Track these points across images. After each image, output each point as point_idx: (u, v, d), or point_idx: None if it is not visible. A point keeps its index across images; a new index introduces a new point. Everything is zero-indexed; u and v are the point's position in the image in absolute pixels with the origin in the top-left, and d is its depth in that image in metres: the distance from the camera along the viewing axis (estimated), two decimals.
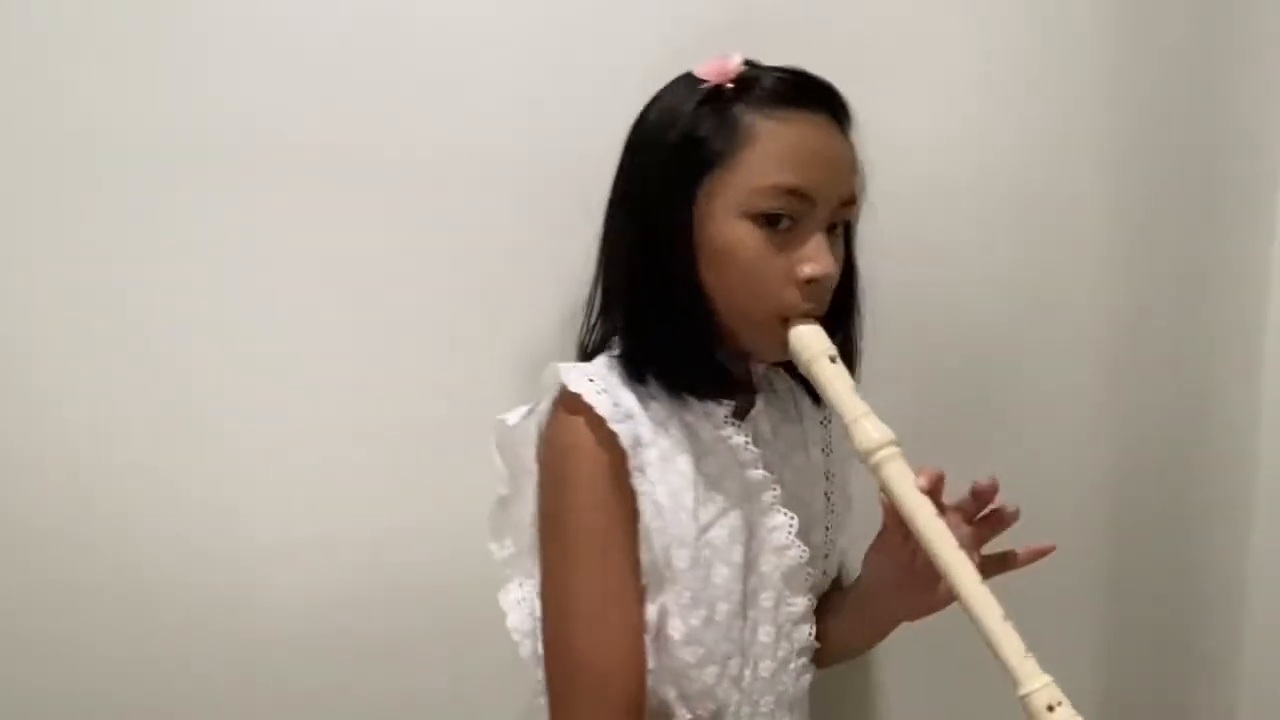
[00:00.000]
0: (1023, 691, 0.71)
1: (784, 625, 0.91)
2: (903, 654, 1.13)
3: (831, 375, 0.81)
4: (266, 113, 0.94)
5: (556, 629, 0.82)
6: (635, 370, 0.85)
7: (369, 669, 1.03)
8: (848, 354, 0.93)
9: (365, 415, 1.00)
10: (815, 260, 0.81)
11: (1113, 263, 1.17)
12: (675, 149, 0.82)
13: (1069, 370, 1.19)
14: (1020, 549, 0.85)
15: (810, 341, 0.82)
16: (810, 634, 0.94)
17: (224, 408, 0.97)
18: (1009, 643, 0.72)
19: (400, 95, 0.97)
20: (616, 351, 0.87)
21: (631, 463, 0.80)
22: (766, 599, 0.90)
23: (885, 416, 1.10)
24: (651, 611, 0.83)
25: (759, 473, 0.89)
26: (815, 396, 0.96)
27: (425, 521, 1.01)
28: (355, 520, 1.00)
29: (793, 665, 0.93)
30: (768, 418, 0.93)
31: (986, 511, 0.83)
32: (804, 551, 0.91)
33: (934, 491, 0.77)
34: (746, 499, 0.89)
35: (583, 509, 0.82)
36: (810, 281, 0.81)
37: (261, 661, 1.00)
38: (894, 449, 0.78)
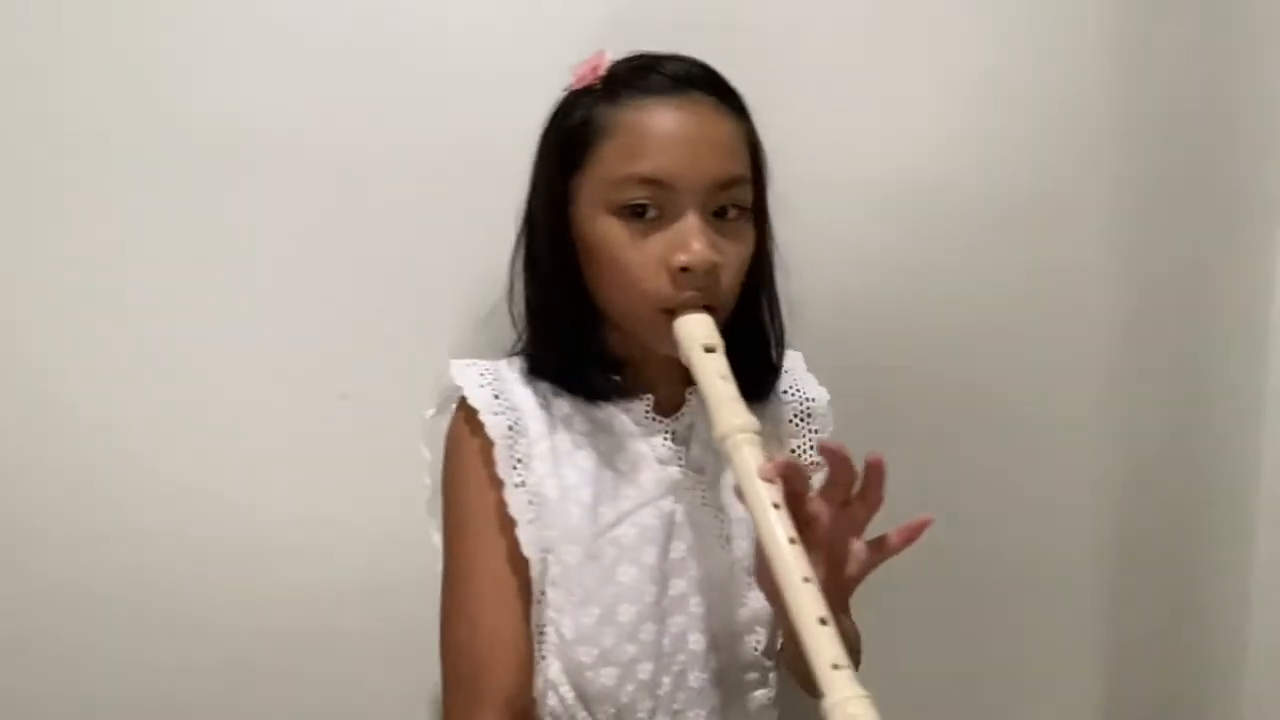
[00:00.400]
0: (826, 702, 0.63)
1: (719, 635, 0.86)
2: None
3: (703, 363, 0.78)
4: (263, 113, 0.97)
5: (441, 616, 0.84)
6: (535, 369, 0.86)
7: (373, 667, 1.06)
8: (763, 340, 0.89)
9: (369, 414, 1.03)
10: (684, 248, 0.78)
11: (1115, 267, 1.17)
12: (548, 154, 0.84)
13: (1071, 374, 1.18)
14: (896, 533, 0.76)
15: (688, 331, 0.79)
16: (757, 646, 0.88)
17: (226, 406, 1.01)
18: (818, 647, 0.65)
19: (395, 95, 1.00)
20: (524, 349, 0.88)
21: (499, 454, 0.81)
22: (695, 605, 0.85)
23: (885, 419, 1.07)
24: (546, 607, 0.82)
25: (677, 470, 0.86)
26: (799, 416, 0.93)
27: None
28: (359, 519, 1.04)
29: (734, 679, 0.87)
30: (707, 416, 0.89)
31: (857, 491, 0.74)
32: (741, 555, 0.85)
33: (788, 479, 0.72)
34: (670, 497, 0.85)
35: (461, 501, 0.84)
36: (684, 270, 0.78)
37: (265, 660, 1.04)
38: (748, 435, 0.74)
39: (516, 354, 0.89)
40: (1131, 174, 1.16)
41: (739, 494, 0.74)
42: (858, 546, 0.74)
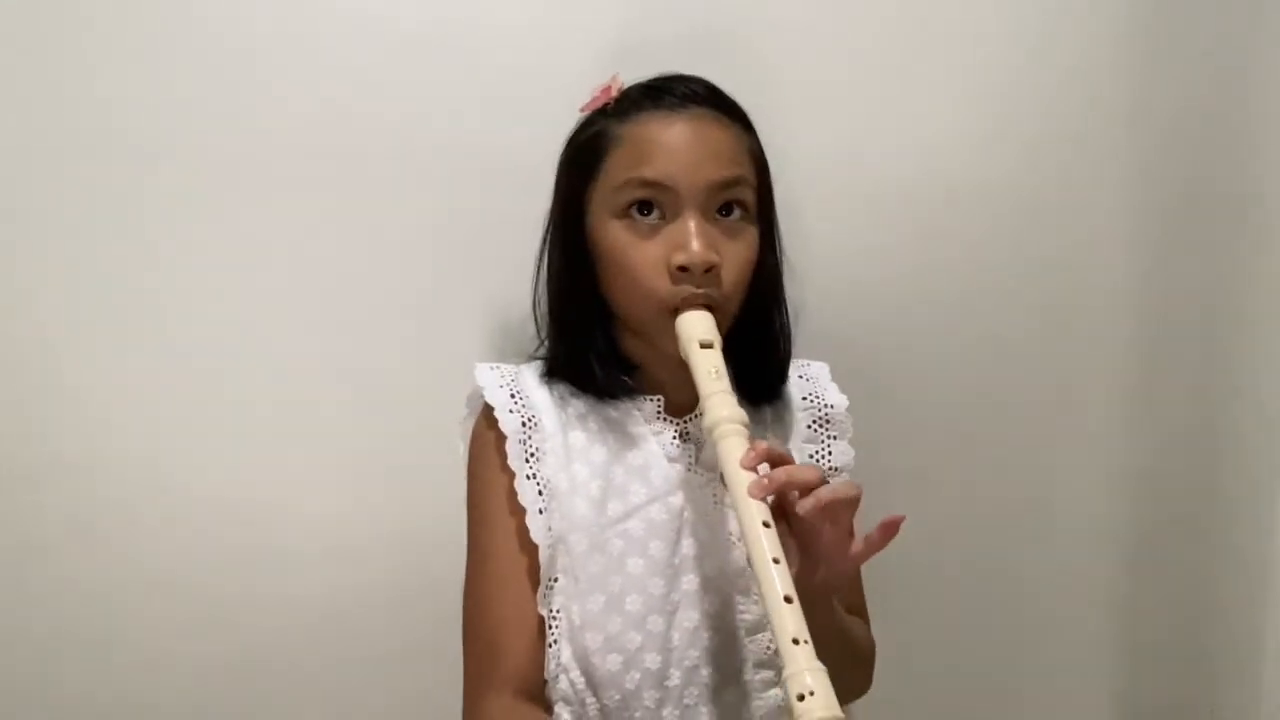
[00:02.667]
0: (785, 672, 0.67)
1: (730, 632, 0.88)
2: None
3: (698, 358, 0.82)
4: (274, 123, 1.02)
5: (464, 601, 0.89)
6: (552, 370, 0.91)
7: (385, 671, 1.10)
8: (770, 343, 0.92)
9: (386, 419, 1.07)
10: (683, 247, 0.83)
11: (1135, 271, 1.18)
12: (564, 168, 0.91)
13: (1086, 377, 1.19)
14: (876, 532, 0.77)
15: (686, 327, 0.83)
16: (769, 646, 0.89)
17: (242, 410, 1.04)
18: (781, 623, 0.69)
19: (430, 109, 1.05)
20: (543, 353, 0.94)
21: (512, 447, 0.86)
22: (709, 602, 0.87)
23: (898, 422, 1.10)
24: (559, 594, 0.86)
25: (685, 468, 0.89)
26: (817, 422, 0.95)
27: (443, 525, 1.04)
28: (372, 524, 1.08)
29: (747, 678, 0.88)
30: None
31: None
32: None
33: (773, 462, 0.75)
34: (679, 494, 0.89)
35: (479, 491, 0.90)
36: (683, 269, 0.83)
37: (275, 662, 1.07)
38: (735, 426, 0.78)
39: (538, 357, 0.94)
40: (1148, 178, 1.16)
41: (724, 482, 0.77)
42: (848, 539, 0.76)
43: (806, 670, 0.66)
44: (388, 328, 1.07)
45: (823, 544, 0.76)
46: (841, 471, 0.95)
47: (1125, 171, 1.17)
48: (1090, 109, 1.15)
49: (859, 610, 0.96)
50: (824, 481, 0.75)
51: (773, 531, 0.72)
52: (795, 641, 0.67)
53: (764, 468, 0.76)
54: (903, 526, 1.09)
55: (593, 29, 1.05)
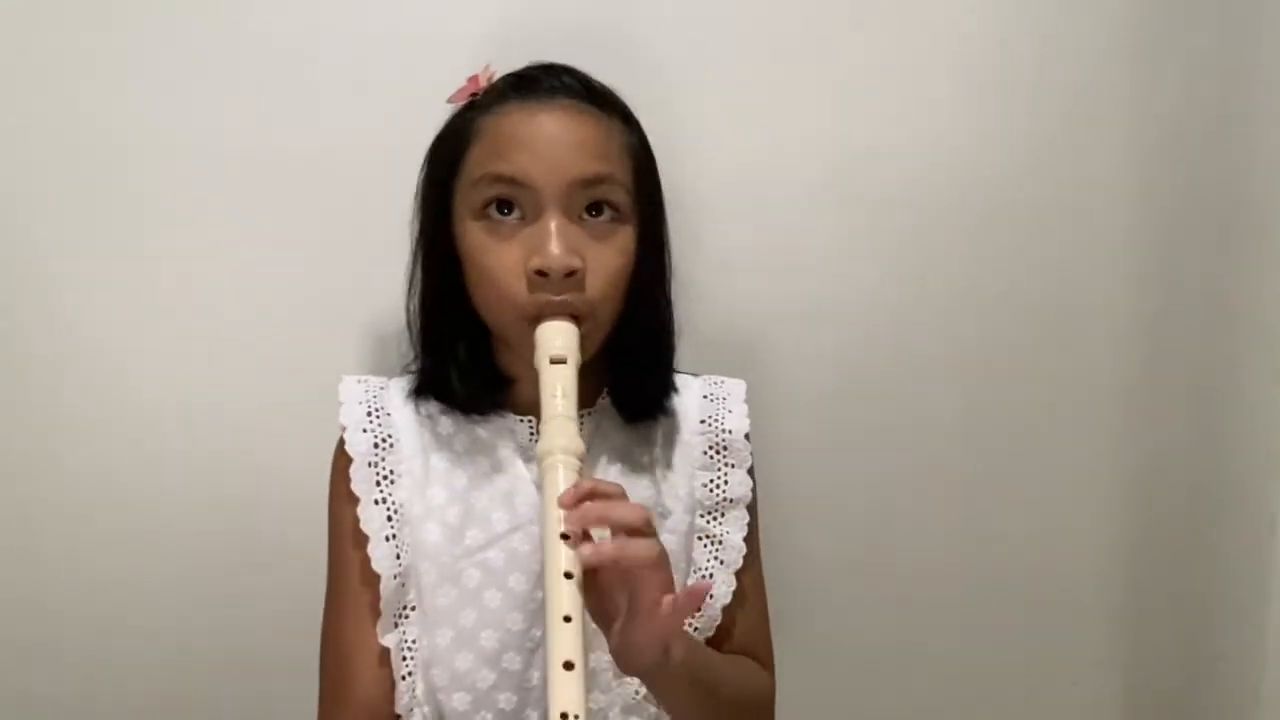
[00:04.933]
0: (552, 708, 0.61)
1: (598, 674, 0.81)
2: None
3: (545, 375, 0.75)
4: (261, 122, 1.00)
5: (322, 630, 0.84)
6: (419, 386, 0.85)
7: None
8: (648, 353, 0.85)
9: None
10: (539, 249, 0.76)
11: (1133, 275, 1.16)
12: (426, 168, 0.84)
13: (1088, 381, 1.17)
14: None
15: (541, 340, 0.76)
16: (638, 692, 0.82)
17: (241, 404, 1.03)
18: (557, 690, 0.62)
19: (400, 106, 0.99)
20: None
21: (357, 470, 0.80)
22: None
23: (900, 425, 1.12)
24: (411, 624, 0.81)
25: None
26: (714, 448, 0.88)
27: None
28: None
29: None
30: (607, 444, 0.85)
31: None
32: None
33: (590, 498, 0.68)
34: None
35: (330, 516, 0.84)
36: (540, 273, 0.76)
37: (277, 664, 1.04)
38: (565, 458, 0.71)
39: (411, 371, 0.88)
40: (1149, 181, 1.14)
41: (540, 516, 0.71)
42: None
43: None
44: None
45: (616, 604, 0.68)
46: (737, 504, 0.87)
47: (1124, 172, 1.13)
48: (1088, 109, 1.12)
49: (753, 648, 0.88)
50: (647, 525, 0.68)
51: (574, 584, 0.65)
52: (563, 716, 0.60)
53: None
54: (900, 530, 1.15)
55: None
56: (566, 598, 0.64)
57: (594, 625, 0.70)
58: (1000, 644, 1.19)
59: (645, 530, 0.67)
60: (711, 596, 0.86)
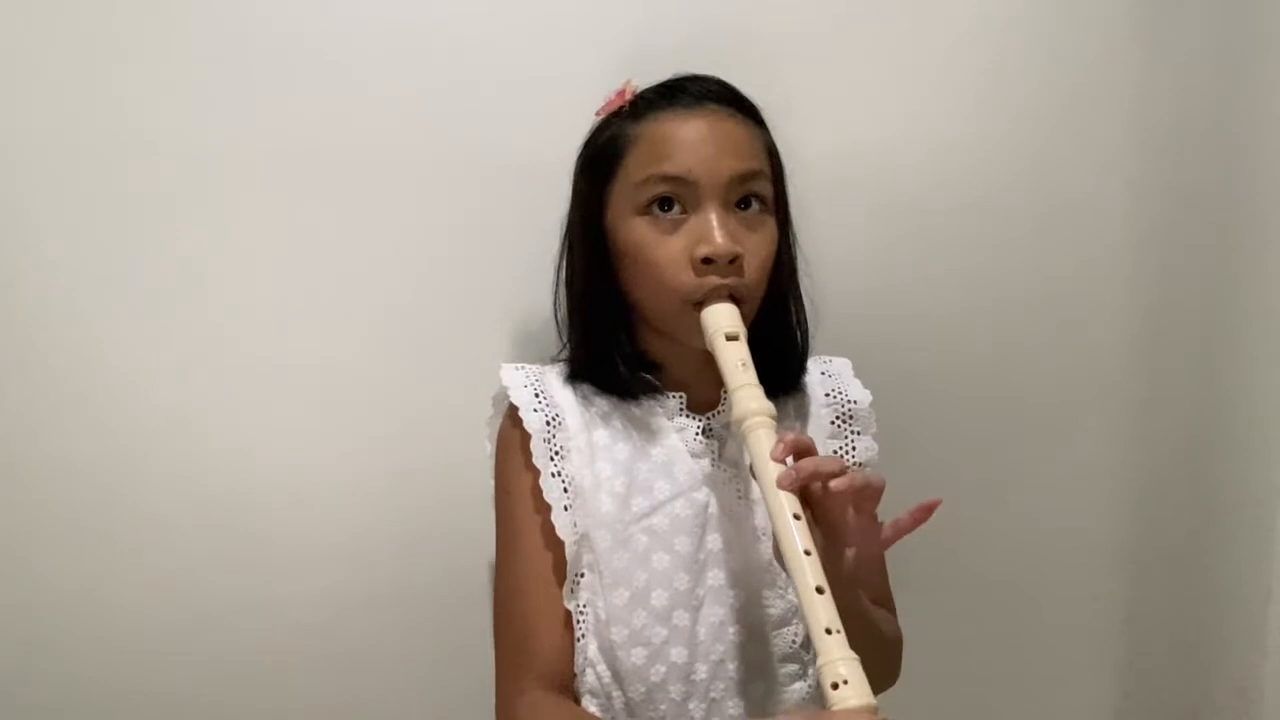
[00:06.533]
0: (819, 661, 0.69)
1: (756, 626, 0.88)
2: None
3: (724, 351, 0.83)
4: (295, 125, 1.03)
5: (494, 597, 0.91)
6: (575, 371, 0.92)
7: (386, 673, 1.11)
8: (788, 335, 0.93)
9: (413, 421, 1.08)
10: (705, 238, 0.84)
11: (1132, 274, 1.18)
12: (581, 170, 0.92)
13: (1091, 380, 1.19)
14: (908, 514, 0.80)
15: (712, 320, 0.84)
16: (795, 640, 0.90)
17: (266, 410, 1.05)
18: (814, 613, 0.71)
19: (418, 105, 1.05)
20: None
21: (536, 445, 0.87)
22: (733, 597, 0.88)
23: (901, 423, 1.09)
24: (585, 589, 0.87)
25: (709, 463, 0.90)
26: (840, 418, 0.96)
27: (450, 524, 1.08)
28: (377, 524, 1.09)
29: (772, 671, 0.89)
30: None
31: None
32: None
33: (800, 454, 0.77)
34: (704, 489, 0.89)
35: (506, 489, 0.91)
36: (706, 260, 0.83)
37: (276, 664, 1.08)
38: (763, 419, 0.79)
39: (561, 359, 0.95)
40: (1151, 178, 1.17)
41: (753, 474, 0.78)
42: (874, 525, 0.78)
43: (840, 660, 0.68)
44: (413, 331, 1.08)
45: (849, 531, 0.77)
46: (865, 466, 0.96)
47: (1123, 172, 1.17)
48: (1088, 109, 1.15)
49: (885, 601, 0.97)
50: (843, 470, 0.76)
51: (803, 523, 0.74)
52: (828, 631, 0.69)
53: (790, 460, 0.77)
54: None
55: (605, 35, 1.06)
56: (800, 536, 0.73)
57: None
58: (999, 643, 1.22)
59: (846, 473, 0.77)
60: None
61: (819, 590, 0.70)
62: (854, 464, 0.95)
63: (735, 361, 0.82)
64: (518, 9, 1.07)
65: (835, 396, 0.97)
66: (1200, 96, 1.17)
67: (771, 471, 0.75)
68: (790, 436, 0.77)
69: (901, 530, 0.79)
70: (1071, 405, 1.21)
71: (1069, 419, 1.21)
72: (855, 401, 0.97)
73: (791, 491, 0.75)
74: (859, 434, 0.96)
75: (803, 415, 0.96)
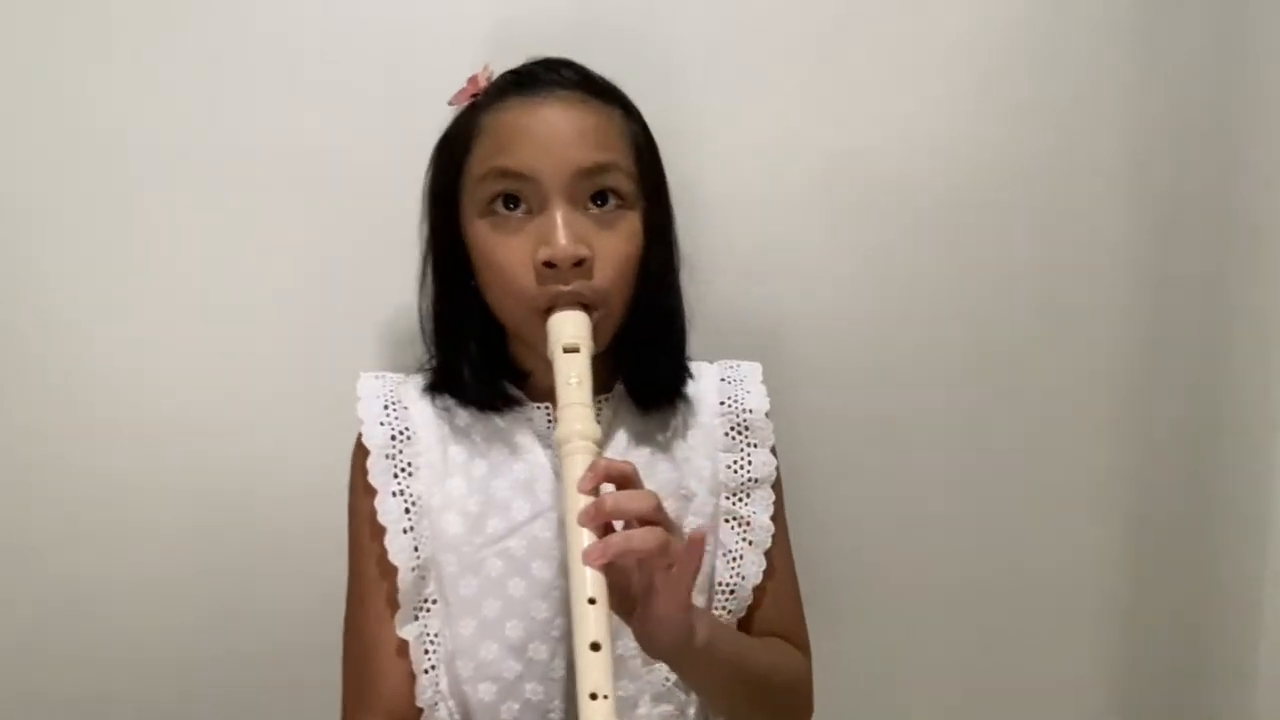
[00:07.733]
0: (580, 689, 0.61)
1: (629, 662, 0.80)
2: None
3: (559, 364, 0.75)
4: (259, 123, 1.01)
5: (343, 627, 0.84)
6: (434, 382, 0.85)
7: None
8: (660, 340, 0.84)
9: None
10: (546, 239, 0.76)
11: (1128, 274, 1.15)
12: (432, 169, 0.85)
13: (1084, 376, 1.16)
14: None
15: (552, 330, 0.77)
16: (668, 679, 0.81)
17: (240, 403, 1.03)
18: (584, 670, 0.62)
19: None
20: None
21: (374, 462, 0.80)
22: None
23: (896, 425, 1.12)
24: (433, 616, 0.81)
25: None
26: (735, 429, 0.87)
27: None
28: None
29: (642, 713, 0.80)
30: (626, 430, 0.84)
31: None
32: None
33: (617, 483, 0.69)
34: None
35: (349, 509, 0.84)
36: (549, 264, 0.75)
37: (275, 666, 1.06)
38: (583, 444, 0.70)
39: (427, 368, 0.88)
40: (1144, 179, 1.13)
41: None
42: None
43: None
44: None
45: (633, 588, 0.68)
46: (762, 484, 0.86)
47: (1119, 171, 1.13)
48: (1083, 108, 1.11)
49: (787, 629, 0.87)
50: (656, 511, 0.67)
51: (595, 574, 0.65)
52: (593, 696, 0.60)
53: (609, 488, 0.69)
54: (900, 527, 1.15)
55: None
56: (590, 581, 0.64)
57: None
58: (997, 642, 1.19)
59: (655, 518, 0.67)
60: (734, 557, 0.85)
61: (593, 646, 0.62)
62: (749, 480, 0.86)
63: (567, 376, 0.73)
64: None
65: (730, 405, 0.87)
66: (1198, 97, 1.12)
67: (576, 503, 0.67)
68: (602, 463, 0.68)
69: (686, 569, 0.68)
70: (1064, 409, 1.17)
71: (1061, 416, 1.17)
72: (750, 411, 0.87)
73: (591, 529, 0.66)
74: (755, 446, 0.87)
75: (690, 427, 0.86)
